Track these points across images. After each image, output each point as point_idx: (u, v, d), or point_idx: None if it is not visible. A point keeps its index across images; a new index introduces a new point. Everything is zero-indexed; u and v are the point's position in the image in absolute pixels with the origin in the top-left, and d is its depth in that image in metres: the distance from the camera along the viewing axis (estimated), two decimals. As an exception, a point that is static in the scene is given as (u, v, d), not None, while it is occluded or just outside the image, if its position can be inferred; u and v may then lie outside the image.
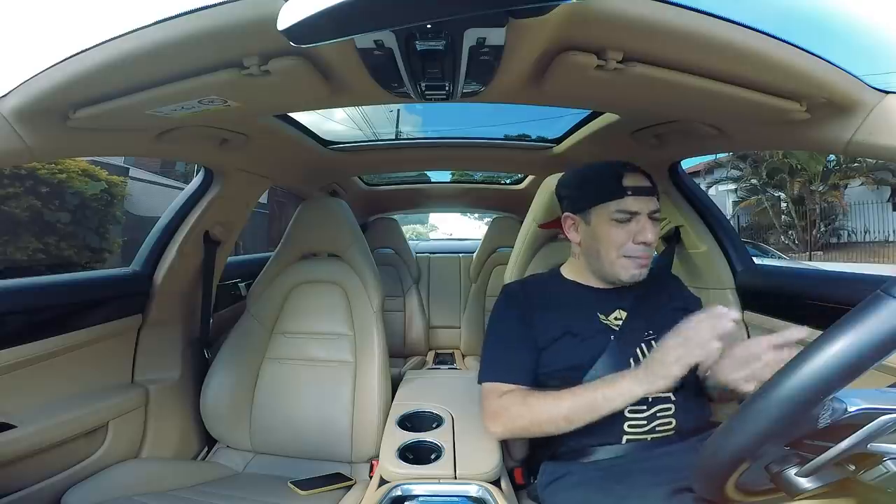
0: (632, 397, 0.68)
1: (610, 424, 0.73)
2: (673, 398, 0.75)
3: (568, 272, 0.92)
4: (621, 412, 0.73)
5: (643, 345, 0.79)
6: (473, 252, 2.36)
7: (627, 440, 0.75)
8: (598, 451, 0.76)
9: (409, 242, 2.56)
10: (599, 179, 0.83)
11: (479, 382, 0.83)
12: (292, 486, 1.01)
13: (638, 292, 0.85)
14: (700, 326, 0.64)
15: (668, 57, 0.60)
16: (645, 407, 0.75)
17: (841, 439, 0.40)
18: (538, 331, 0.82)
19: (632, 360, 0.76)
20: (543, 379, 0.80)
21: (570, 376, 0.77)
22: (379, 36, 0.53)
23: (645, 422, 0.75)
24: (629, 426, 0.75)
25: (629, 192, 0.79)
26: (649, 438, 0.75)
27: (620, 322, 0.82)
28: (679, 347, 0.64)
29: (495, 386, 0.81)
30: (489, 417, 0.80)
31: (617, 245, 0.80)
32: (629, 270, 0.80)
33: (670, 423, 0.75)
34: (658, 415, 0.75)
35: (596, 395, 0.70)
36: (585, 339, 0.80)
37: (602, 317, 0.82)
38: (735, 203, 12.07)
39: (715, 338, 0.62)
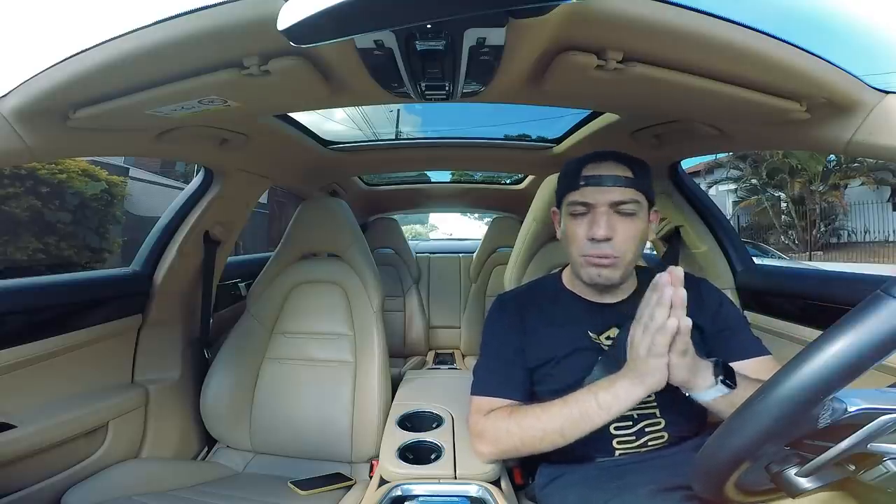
0: (630, 400, 0.62)
1: (598, 441, 0.70)
2: (659, 414, 0.73)
3: (566, 278, 0.87)
4: (607, 429, 0.71)
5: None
6: (473, 252, 2.36)
7: (620, 454, 0.73)
8: (593, 457, 0.74)
9: (409, 242, 2.56)
10: (566, 171, 0.79)
11: (471, 395, 0.79)
12: (292, 486, 1.00)
13: (634, 305, 0.77)
14: (651, 310, 0.59)
15: (668, 57, 0.60)
16: (630, 423, 0.72)
17: (841, 439, 0.40)
18: (528, 351, 0.79)
19: None
20: (533, 401, 0.77)
21: (558, 398, 0.73)
22: (379, 36, 0.53)
23: (633, 437, 0.73)
24: (618, 442, 0.73)
25: (583, 182, 0.73)
26: (642, 451, 0.73)
27: (611, 342, 0.77)
28: (645, 338, 0.60)
29: (484, 402, 0.76)
30: (475, 437, 0.76)
31: (575, 240, 0.75)
32: (586, 270, 0.75)
33: (662, 436, 0.73)
34: (647, 430, 0.73)
35: (589, 403, 0.64)
36: (574, 361, 0.76)
37: (593, 335, 0.78)
38: (735, 203, 12.08)
39: (666, 315, 0.57)
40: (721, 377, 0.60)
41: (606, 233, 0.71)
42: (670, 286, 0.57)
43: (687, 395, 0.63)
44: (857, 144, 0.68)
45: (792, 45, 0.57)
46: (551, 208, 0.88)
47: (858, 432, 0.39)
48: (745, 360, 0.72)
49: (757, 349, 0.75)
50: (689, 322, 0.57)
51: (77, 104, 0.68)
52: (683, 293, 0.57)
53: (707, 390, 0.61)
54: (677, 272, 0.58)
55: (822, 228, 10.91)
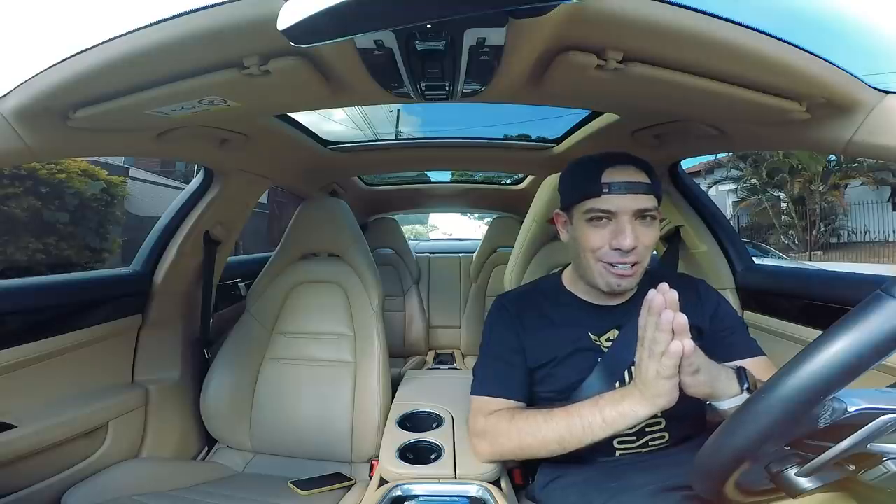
0: (636, 419, 0.61)
1: (599, 442, 0.68)
2: (660, 414, 0.69)
3: (567, 280, 0.87)
4: None
5: (633, 368, 0.70)
6: (473, 252, 2.36)
7: (620, 454, 0.74)
8: (593, 457, 0.74)
9: (409, 242, 2.56)
10: (579, 174, 0.76)
11: (471, 395, 0.80)
12: (292, 486, 1.01)
13: (635, 307, 0.76)
14: (652, 333, 0.57)
15: (668, 57, 0.60)
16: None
17: (841, 439, 0.40)
18: (528, 351, 0.79)
19: (617, 385, 0.71)
20: (532, 401, 0.78)
21: (558, 399, 0.74)
22: (379, 36, 0.53)
23: (634, 437, 0.73)
24: (619, 442, 0.73)
25: (605, 190, 0.71)
26: (643, 451, 0.74)
27: (611, 343, 0.77)
28: (651, 361, 0.58)
29: (485, 402, 0.77)
30: (475, 437, 0.76)
31: (592, 248, 0.73)
32: (605, 278, 0.74)
33: (663, 436, 0.74)
34: (647, 430, 0.73)
35: (594, 418, 0.64)
36: (574, 362, 0.76)
37: (594, 337, 0.78)
38: (735, 203, 12.06)
39: (668, 339, 0.54)
40: (746, 385, 0.59)
41: (633, 242, 0.70)
42: (668, 311, 0.55)
43: (708, 403, 0.61)
44: (857, 144, 0.68)
45: (792, 45, 0.57)
46: (554, 211, 0.86)
47: (858, 432, 0.39)
48: (744, 360, 0.72)
49: (755, 349, 0.76)
50: (692, 344, 0.55)
51: (77, 104, 0.68)
52: (684, 318, 0.54)
53: (731, 399, 0.59)
54: (671, 295, 0.55)
55: (822, 228, 10.90)
